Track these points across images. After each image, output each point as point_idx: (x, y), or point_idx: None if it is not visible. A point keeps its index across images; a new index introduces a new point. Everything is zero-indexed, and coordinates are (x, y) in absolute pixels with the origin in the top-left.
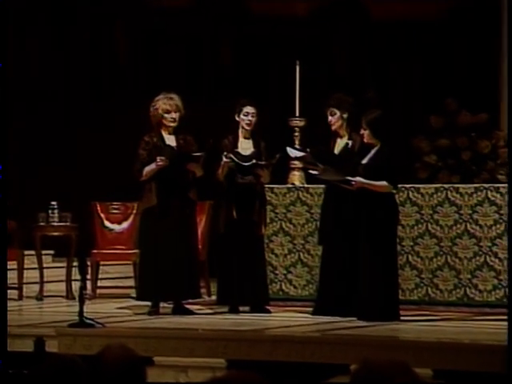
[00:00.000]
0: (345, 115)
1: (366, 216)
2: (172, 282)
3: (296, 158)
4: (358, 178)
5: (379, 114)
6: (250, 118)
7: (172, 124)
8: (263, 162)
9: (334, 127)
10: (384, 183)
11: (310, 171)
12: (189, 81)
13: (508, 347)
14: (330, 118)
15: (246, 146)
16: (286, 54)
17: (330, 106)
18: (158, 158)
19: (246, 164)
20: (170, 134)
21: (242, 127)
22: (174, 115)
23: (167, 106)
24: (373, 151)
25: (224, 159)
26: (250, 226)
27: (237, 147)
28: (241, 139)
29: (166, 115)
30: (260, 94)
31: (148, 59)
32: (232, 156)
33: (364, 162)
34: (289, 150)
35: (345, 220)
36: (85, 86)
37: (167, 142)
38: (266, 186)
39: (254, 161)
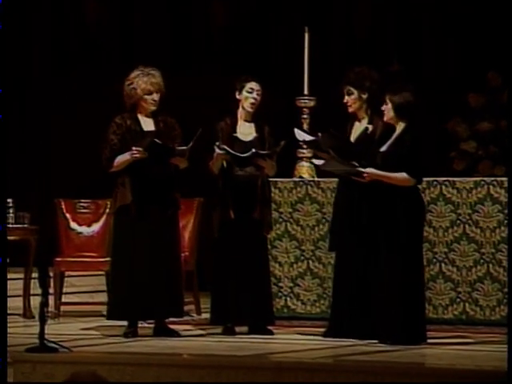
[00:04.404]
0: (364, 95)
1: (384, 216)
2: (150, 297)
3: (305, 143)
4: (370, 169)
5: (409, 94)
6: (255, 95)
7: (152, 107)
8: (265, 152)
9: (350, 109)
10: (403, 175)
11: (314, 161)
12: (173, 49)
13: (508, 369)
14: (346, 97)
15: (246, 131)
16: (292, 18)
17: (347, 84)
18: (134, 149)
19: (244, 155)
20: (147, 116)
21: (244, 108)
22: (156, 97)
23: (149, 86)
24: (393, 136)
25: (217, 151)
26: (250, 227)
27: (235, 131)
28: (240, 122)
29: (146, 97)
30: (260, 68)
31: (122, 23)
32: (226, 147)
33: (383, 149)
34: (297, 131)
35: (361, 221)
36: (46, 59)
37: (144, 126)
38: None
39: (253, 150)
